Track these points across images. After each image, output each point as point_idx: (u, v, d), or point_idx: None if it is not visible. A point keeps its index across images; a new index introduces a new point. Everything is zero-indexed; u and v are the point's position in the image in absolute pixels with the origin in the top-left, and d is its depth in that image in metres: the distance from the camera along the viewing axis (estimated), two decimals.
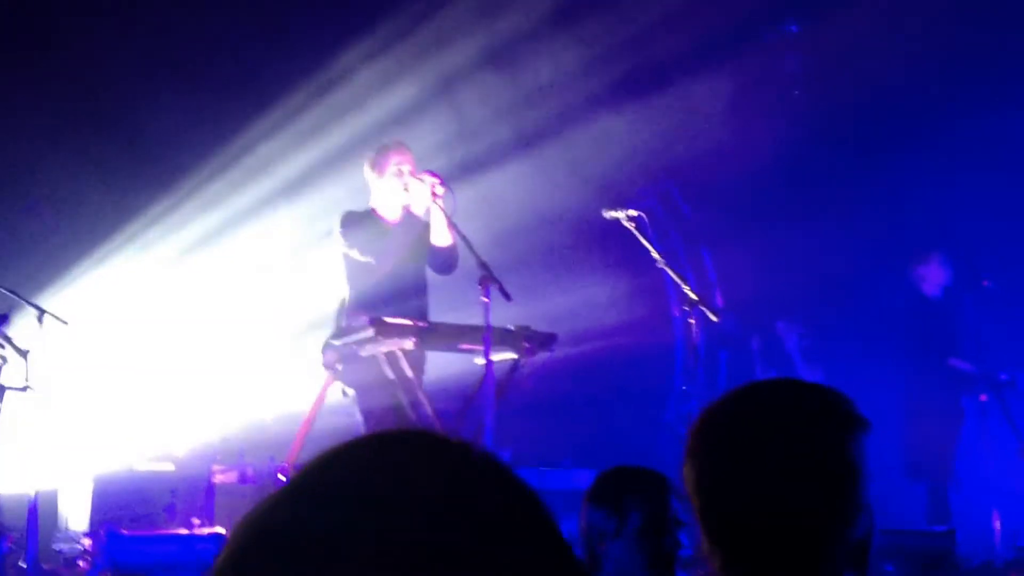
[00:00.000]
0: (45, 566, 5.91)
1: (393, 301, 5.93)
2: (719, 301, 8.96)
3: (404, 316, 5.79)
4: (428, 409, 5.78)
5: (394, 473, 0.81)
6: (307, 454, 6.01)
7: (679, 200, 9.59)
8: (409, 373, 5.76)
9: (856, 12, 9.02)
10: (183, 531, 5.98)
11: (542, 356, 6.07)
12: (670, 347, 9.23)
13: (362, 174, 6.24)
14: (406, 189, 6.04)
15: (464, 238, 5.80)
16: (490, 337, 5.60)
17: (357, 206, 6.26)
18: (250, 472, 6.65)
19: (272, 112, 8.21)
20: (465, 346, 5.96)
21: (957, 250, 8.22)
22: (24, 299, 6.30)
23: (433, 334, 5.84)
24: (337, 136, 8.18)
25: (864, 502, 1.70)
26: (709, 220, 9.55)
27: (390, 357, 5.73)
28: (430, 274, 6.23)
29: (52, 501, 6.49)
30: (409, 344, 5.71)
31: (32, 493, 5.86)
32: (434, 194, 5.92)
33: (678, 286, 6.45)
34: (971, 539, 6.84)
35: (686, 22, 8.77)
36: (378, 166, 6.13)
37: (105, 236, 7.98)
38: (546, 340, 6.05)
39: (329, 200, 7.33)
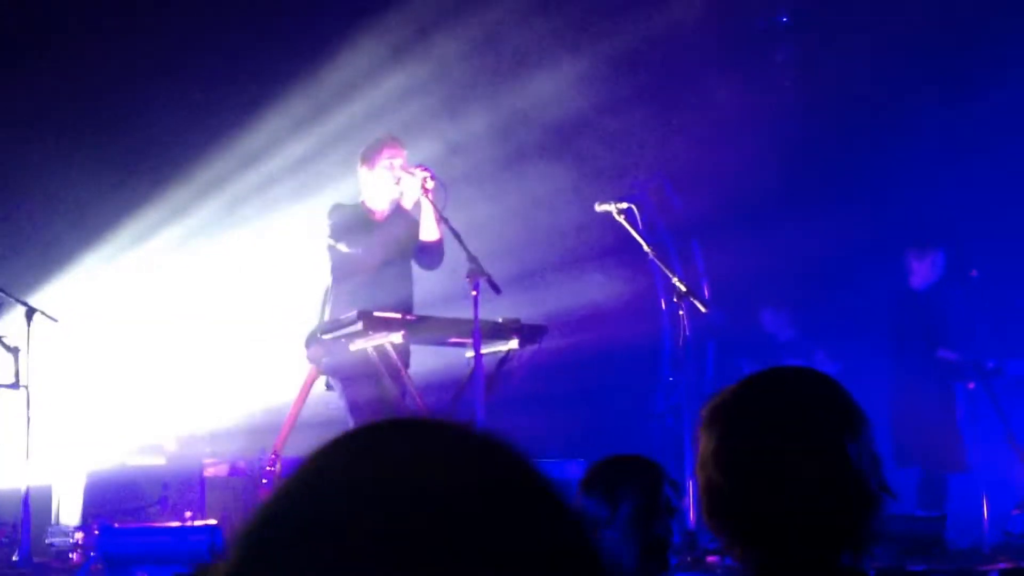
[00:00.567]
0: (37, 560, 5.92)
1: (379, 295, 5.93)
2: (707, 292, 8.99)
3: (390, 310, 5.80)
4: (418, 402, 5.79)
5: (411, 461, 0.80)
6: (292, 447, 6.06)
7: (670, 192, 9.61)
8: (399, 366, 5.77)
9: (847, 2, 9.06)
10: (175, 524, 6.00)
11: (531, 348, 6.09)
12: (658, 338, 9.26)
13: (354, 169, 6.25)
14: (397, 182, 6.04)
15: (454, 232, 5.81)
16: (479, 330, 5.62)
17: (346, 199, 6.27)
18: (241, 465, 6.66)
19: (264, 108, 8.20)
20: (454, 339, 5.98)
21: (945, 240, 8.26)
22: (13, 297, 6.31)
23: (422, 327, 5.86)
24: (329, 131, 8.17)
25: (874, 491, 1.74)
26: (698, 211, 9.58)
27: (379, 350, 5.74)
28: (416, 268, 6.23)
29: (45, 496, 6.51)
30: (398, 337, 5.72)
31: (24, 488, 5.88)
32: (424, 188, 5.93)
33: (667, 277, 6.48)
34: (960, 524, 6.89)
35: (677, 13, 8.79)
36: (369, 159, 6.13)
37: (95, 233, 7.98)
38: (535, 332, 6.06)
39: (320, 196, 7.33)
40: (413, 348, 6.07)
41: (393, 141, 6.15)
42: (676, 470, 4.53)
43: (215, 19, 8.14)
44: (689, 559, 5.20)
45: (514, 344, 6.01)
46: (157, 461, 6.85)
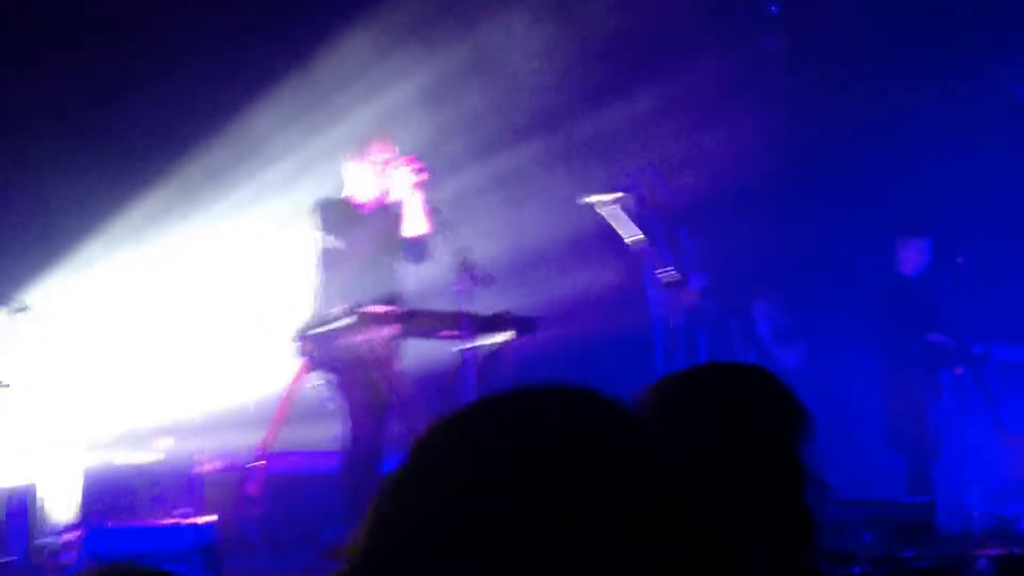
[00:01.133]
0: (24, 560, 5.91)
1: (367, 288, 5.93)
2: (697, 282, 9.01)
3: (379, 304, 5.80)
4: (408, 395, 5.80)
5: (564, 431, 0.81)
6: (281, 442, 6.06)
7: (658, 181, 9.61)
8: (389, 359, 5.78)
9: None
10: (170, 521, 6.00)
11: (523, 340, 6.09)
12: (649, 329, 9.27)
13: (342, 165, 6.24)
14: (385, 177, 6.04)
15: (443, 225, 5.82)
16: (469, 323, 5.62)
17: (333, 194, 6.27)
18: (234, 460, 6.67)
19: (252, 104, 8.19)
20: (445, 332, 5.98)
21: (933, 227, 8.29)
22: None
23: (412, 321, 5.85)
24: (319, 126, 8.16)
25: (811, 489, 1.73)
26: (687, 201, 9.59)
27: (369, 344, 5.74)
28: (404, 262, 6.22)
29: (36, 495, 6.50)
30: (388, 331, 5.72)
31: (15, 487, 5.87)
32: (413, 182, 5.93)
33: (657, 267, 6.49)
34: (949, 510, 6.91)
35: (666, 2, 8.80)
36: (358, 154, 6.13)
37: (82, 228, 7.96)
38: (527, 324, 6.07)
39: (312, 190, 7.32)
40: (403, 341, 6.07)
41: (381, 135, 6.16)
42: None
43: (199, 15, 8.12)
44: None
45: (505, 336, 6.00)
46: (150, 458, 6.85)
